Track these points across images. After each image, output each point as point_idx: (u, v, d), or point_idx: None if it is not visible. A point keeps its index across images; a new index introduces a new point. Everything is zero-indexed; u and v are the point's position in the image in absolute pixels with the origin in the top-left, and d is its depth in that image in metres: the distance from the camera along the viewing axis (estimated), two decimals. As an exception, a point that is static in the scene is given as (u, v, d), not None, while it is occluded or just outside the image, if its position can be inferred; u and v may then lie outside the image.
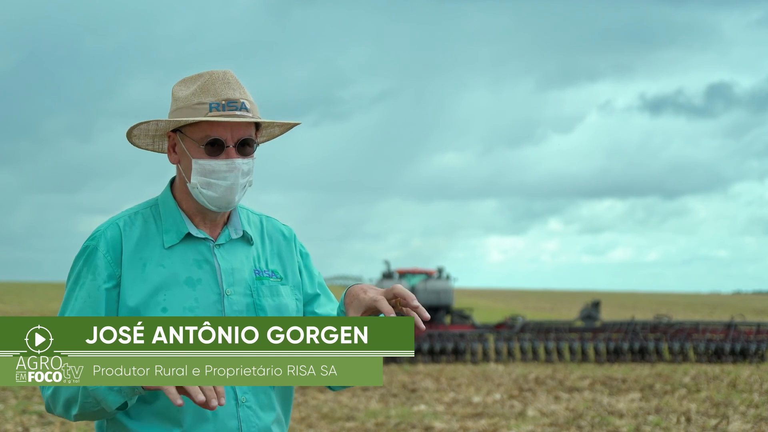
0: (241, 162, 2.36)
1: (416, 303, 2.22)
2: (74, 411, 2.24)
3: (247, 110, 2.37)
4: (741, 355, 17.98)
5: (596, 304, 21.12)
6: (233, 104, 2.35)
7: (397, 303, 2.26)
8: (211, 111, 2.33)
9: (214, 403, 2.07)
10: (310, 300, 2.56)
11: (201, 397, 2.05)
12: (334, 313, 2.56)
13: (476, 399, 12.31)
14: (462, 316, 20.36)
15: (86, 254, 2.37)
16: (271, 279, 2.47)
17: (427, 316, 2.22)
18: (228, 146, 2.35)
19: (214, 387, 2.10)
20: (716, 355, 17.97)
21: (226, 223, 2.47)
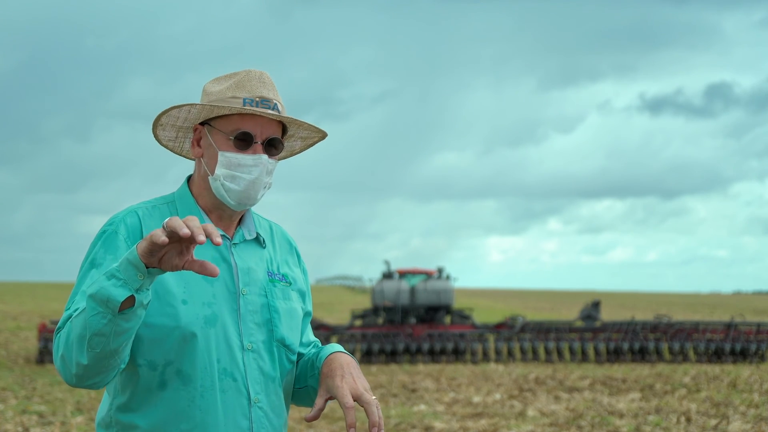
0: (266, 159, 2.38)
1: (375, 431, 2.22)
2: (86, 340, 2.09)
3: (278, 112, 2.41)
4: (741, 355, 17.97)
5: (596, 304, 21.10)
6: (266, 102, 2.38)
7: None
8: (244, 106, 2.36)
9: (202, 237, 1.98)
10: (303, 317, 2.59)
11: (185, 231, 1.95)
12: (309, 337, 2.59)
13: (476, 399, 12.31)
14: (462, 316, 20.34)
15: (105, 237, 2.34)
16: (282, 283, 2.49)
17: None
18: (256, 142, 2.38)
19: (205, 227, 2.01)
20: (716, 355, 17.96)
21: (239, 224, 2.48)
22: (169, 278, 2.32)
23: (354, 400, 2.25)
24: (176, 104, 2.40)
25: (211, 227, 2.01)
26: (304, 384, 2.52)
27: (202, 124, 2.43)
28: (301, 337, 2.57)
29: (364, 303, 39.11)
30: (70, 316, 2.21)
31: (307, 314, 2.59)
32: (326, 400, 2.31)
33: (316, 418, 2.28)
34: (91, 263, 2.31)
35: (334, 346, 2.47)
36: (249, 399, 2.36)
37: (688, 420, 10.57)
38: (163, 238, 1.97)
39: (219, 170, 2.37)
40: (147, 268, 2.04)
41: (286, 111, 2.45)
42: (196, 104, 2.39)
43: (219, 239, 2.00)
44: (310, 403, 2.53)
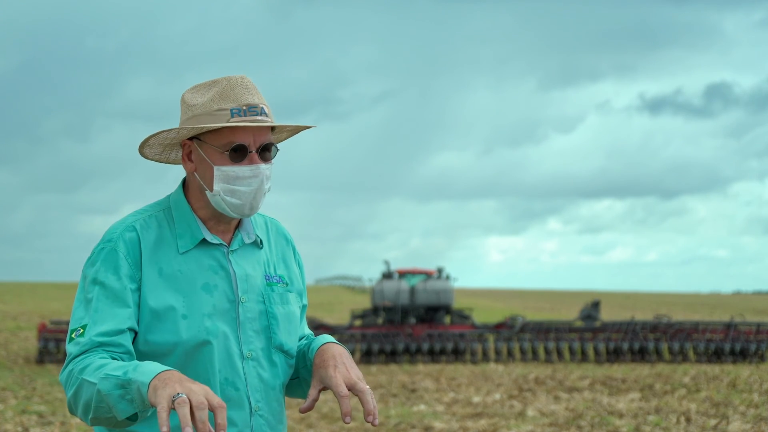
0: (264, 167, 2.36)
1: (371, 419, 2.20)
2: (90, 415, 2.19)
3: (266, 115, 2.37)
4: (741, 355, 17.97)
5: (596, 304, 21.11)
6: (254, 109, 2.34)
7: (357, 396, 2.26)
8: (233, 117, 2.32)
9: None
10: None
11: (187, 430, 1.98)
12: (302, 339, 2.57)
13: (476, 399, 12.31)
14: (462, 316, 20.35)
15: (104, 255, 2.32)
16: (279, 285, 2.47)
17: (376, 424, 2.21)
18: (251, 151, 2.34)
19: (218, 422, 2.03)
20: (716, 355, 17.96)
21: (237, 227, 2.46)
22: (168, 294, 2.31)
23: (348, 390, 2.25)
24: (164, 129, 2.37)
25: (222, 423, 2.02)
26: (296, 375, 2.51)
27: (191, 138, 2.39)
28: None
29: (364, 303, 39.11)
30: (78, 354, 2.23)
31: (302, 307, 2.56)
32: (319, 391, 2.29)
33: (310, 408, 2.27)
34: (93, 281, 2.31)
35: (326, 337, 2.45)
36: (250, 408, 2.35)
37: (688, 420, 10.57)
38: (164, 429, 1.98)
39: (217, 185, 2.34)
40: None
41: (271, 110, 2.41)
42: (183, 128, 2.35)
43: None
44: (302, 395, 2.51)
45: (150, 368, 2.10)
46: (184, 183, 2.47)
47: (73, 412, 2.25)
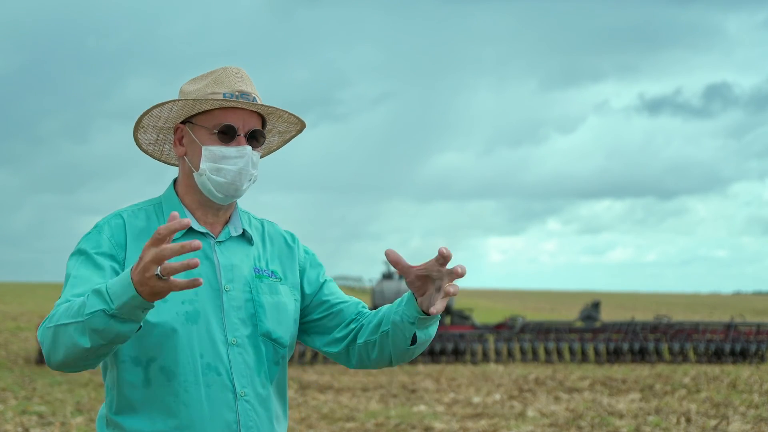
0: (251, 150, 2.43)
1: (460, 269, 2.24)
2: (88, 344, 2.09)
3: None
4: (741, 356, 17.97)
5: (596, 305, 21.12)
6: (246, 96, 2.43)
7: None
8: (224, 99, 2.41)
9: (182, 224, 2.00)
10: (318, 289, 2.59)
11: (173, 225, 1.99)
12: (343, 296, 2.62)
13: (476, 399, 12.31)
14: (462, 317, 20.35)
15: (90, 233, 2.41)
16: (271, 278, 2.51)
17: (463, 270, 2.24)
18: (239, 134, 2.42)
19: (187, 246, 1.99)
20: (716, 356, 17.97)
21: (226, 223, 2.51)
22: None
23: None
24: (157, 103, 2.44)
25: (196, 243, 2.00)
26: (387, 327, 2.52)
27: (184, 123, 2.47)
28: (328, 314, 2.57)
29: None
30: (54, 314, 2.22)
31: (327, 281, 2.61)
32: (440, 293, 2.33)
33: (441, 310, 2.35)
34: (75, 254, 2.38)
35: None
36: (235, 393, 2.38)
37: (688, 420, 10.57)
38: (180, 225, 1.98)
39: (204, 164, 2.41)
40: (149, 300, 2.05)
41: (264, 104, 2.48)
42: (178, 100, 2.43)
43: (187, 221, 2.00)
44: (404, 343, 2.50)
45: (114, 281, 2.08)
46: (175, 181, 2.54)
47: (49, 357, 2.18)
